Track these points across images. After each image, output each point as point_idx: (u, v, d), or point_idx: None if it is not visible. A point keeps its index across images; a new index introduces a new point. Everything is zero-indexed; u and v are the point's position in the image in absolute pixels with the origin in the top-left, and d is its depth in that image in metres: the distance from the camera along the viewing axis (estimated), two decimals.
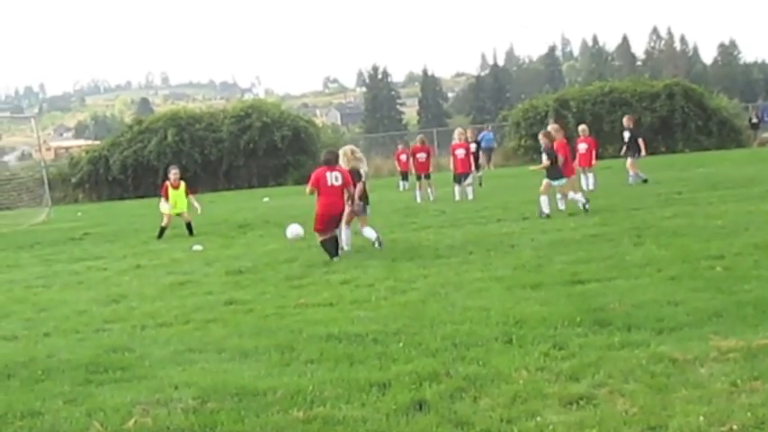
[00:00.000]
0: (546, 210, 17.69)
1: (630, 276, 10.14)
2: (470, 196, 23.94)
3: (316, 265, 13.42)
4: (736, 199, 17.93)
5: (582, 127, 25.71)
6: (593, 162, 24.87)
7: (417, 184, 26.21)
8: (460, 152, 24.85)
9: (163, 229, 19.92)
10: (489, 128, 46.83)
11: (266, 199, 29.30)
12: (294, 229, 16.16)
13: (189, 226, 20.01)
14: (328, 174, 14.38)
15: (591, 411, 5.59)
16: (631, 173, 24.84)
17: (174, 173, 20.58)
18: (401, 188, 33.02)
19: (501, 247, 13.73)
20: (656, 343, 7.00)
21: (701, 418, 5.25)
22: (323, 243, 14.22)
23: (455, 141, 25.51)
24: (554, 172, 18.33)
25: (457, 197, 24.14)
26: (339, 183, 14.34)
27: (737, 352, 6.54)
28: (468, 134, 30.15)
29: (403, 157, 34.10)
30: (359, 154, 15.76)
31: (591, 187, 23.63)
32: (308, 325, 8.82)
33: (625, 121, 26.28)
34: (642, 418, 5.35)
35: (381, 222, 19.21)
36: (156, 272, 14.11)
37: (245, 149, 46.55)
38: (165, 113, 52.35)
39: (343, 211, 14.50)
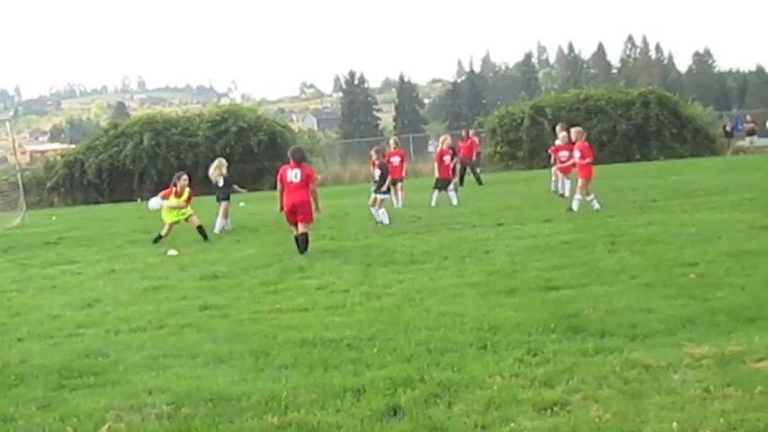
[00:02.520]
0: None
1: (604, 283, 10.20)
2: (455, 201, 23.87)
3: (291, 270, 13.40)
4: (709, 207, 18.05)
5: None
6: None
7: (393, 188, 25.91)
8: (447, 158, 24.82)
9: (160, 237, 18.82)
10: (471, 132, 46.72)
11: (242, 204, 29.17)
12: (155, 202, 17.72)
13: (201, 230, 18.90)
14: (289, 171, 15.32)
15: (565, 417, 5.61)
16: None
17: (184, 178, 19.32)
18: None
19: (476, 253, 13.76)
20: (630, 349, 7.05)
21: (675, 424, 5.29)
22: (294, 237, 15.28)
23: (442, 147, 25.37)
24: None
25: (434, 203, 24.10)
26: (298, 179, 15.16)
27: (710, 359, 6.59)
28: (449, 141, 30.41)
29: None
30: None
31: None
32: (283, 330, 8.82)
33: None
34: (616, 424, 5.38)
35: (357, 228, 19.24)
36: (130, 276, 14.05)
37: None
38: (141, 117, 52.00)
39: (300, 205, 15.15)
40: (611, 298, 9.23)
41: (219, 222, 20.76)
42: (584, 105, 48.22)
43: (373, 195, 20.02)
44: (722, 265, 10.84)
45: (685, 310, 8.37)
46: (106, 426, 6.03)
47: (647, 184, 26.61)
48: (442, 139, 26.57)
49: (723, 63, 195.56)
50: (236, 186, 21.90)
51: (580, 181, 19.58)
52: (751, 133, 49.59)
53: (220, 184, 21.40)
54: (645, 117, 47.03)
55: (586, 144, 20.03)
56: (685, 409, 5.58)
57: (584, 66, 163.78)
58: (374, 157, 20.76)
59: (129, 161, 46.09)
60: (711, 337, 7.27)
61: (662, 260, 11.53)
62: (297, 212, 15.26)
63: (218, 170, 21.53)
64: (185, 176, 19.48)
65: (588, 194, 19.36)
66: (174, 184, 19.23)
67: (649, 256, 11.94)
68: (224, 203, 21.07)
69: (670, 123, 47.32)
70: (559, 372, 6.56)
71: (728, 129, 50.23)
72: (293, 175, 15.22)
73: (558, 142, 25.44)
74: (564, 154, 24.44)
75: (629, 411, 5.60)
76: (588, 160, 19.47)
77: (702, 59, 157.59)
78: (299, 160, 15.45)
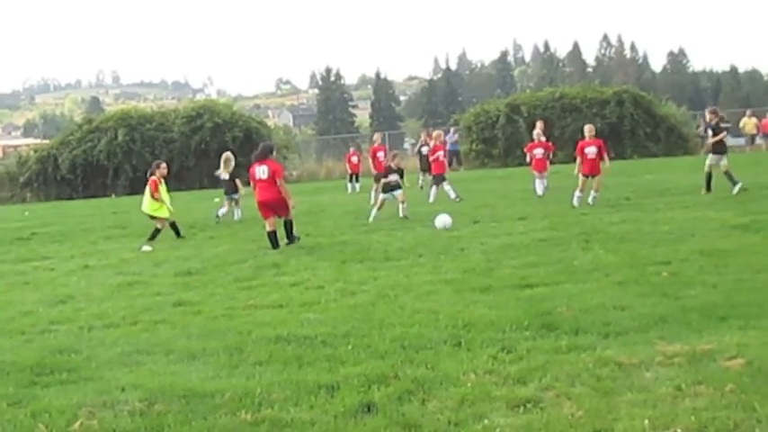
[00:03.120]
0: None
1: (578, 281, 10.24)
2: (453, 195, 23.72)
3: (266, 266, 13.39)
4: (683, 205, 18.15)
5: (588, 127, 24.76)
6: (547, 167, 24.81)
7: (375, 185, 25.57)
8: (440, 154, 24.76)
9: (158, 231, 18.14)
10: (453, 130, 46.67)
11: (217, 200, 29.00)
12: (443, 220, 17.22)
13: (175, 226, 18.66)
14: (257, 168, 15.70)
15: (538, 414, 5.64)
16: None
17: (163, 166, 18.87)
18: (350, 190, 32.92)
19: (451, 250, 13.78)
20: (603, 347, 7.09)
21: (646, 421, 5.32)
22: (267, 233, 15.65)
23: (436, 143, 25.20)
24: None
25: (432, 199, 23.93)
26: (266, 176, 15.52)
27: (682, 356, 6.64)
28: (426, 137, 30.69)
29: (354, 159, 34.00)
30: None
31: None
32: (257, 327, 8.81)
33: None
34: (588, 422, 5.41)
35: (332, 224, 19.23)
36: (104, 272, 13.98)
37: (196, 150, 46.15)
38: (116, 113, 51.65)
39: (273, 201, 15.48)
40: (585, 296, 9.27)
41: (237, 212, 22.28)
42: (560, 104, 48.35)
43: (382, 197, 19.83)
44: (695, 263, 10.92)
45: (658, 308, 8.43)
46: (78, 422, 6.00)
47: (622, 182, 26.70)
48: (437, 134, 26.37)
49: (697, 63, 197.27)
50: (237, 181, 22.45)
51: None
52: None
53: (226, 178, 22.40)
54: (619, 116, 47.22)
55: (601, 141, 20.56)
56: (657, 406, 5.61)
57: (560, 64, 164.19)
58: (392, 161, 20.56)
59: (103, 156, 45.76)
60: (683, 335, 7.32)
61: (635, 258, 11.60)
62: (271, 209, 15.53)
63: (226, 165, 22.52)
64: (164, 164, 19.13)
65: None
66: (153, 174, 18.58)
67: (623, 255, 12.01)
68: (235, 196, 22.29)
69: (644, 122, 47.53)
70: (533, 369, 6.59)
71: (702, 128, 50.55)
72: (261, 171, 15.59)
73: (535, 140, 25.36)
74: (538, 151, 24.46)
75: (601, 409, 5.63)
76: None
77: (677, 59, 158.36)
78: (264, 157, 15.75)
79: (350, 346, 7.71)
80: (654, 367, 6.47)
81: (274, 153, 16.07)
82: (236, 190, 22.27)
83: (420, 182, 30.22)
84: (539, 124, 26.51)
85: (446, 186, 24.08)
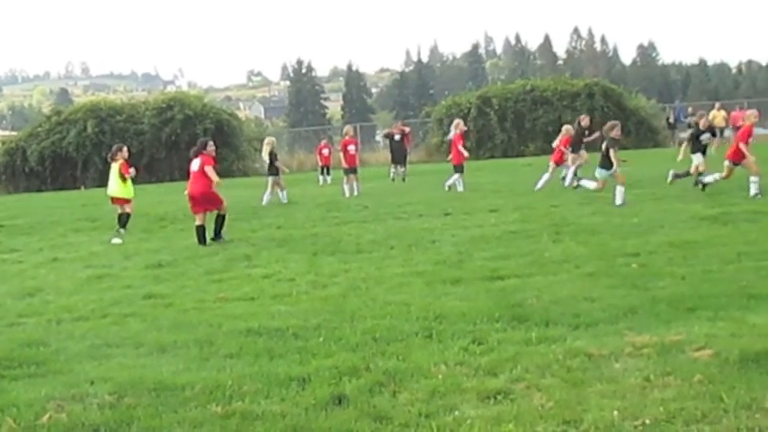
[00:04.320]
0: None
1: (549, 273, 10.29)
2: (459, 188, 23.71)
3: (237, 259, 13.35)
4: (652, 198, 18.28)
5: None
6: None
7: (346, 177, 25.56)
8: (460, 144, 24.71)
9: (128, 216, 18.28)
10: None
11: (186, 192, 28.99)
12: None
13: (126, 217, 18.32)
14: (192, 162, 15.97)
15: (508, 406, 5.66)
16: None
17: (125, 149, 18.76)
18: (321, 183, 32.88)
19: (422, 242, 13.80)
20: (573, 338, 7.13)
21: (615, 412, 5.35)
22: (195, 227, 15.74)
23: (456, 133, 24.89)
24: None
25: (460, 188, 23.73)
26: (197, 168, 15.77)
27: (651, 347, 6.68)
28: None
29: (325, 151, 33.94)
30: None
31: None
32: (228, 319, 8.78)
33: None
34: (558, 413, 5.43)
35: (303, 216, 19.20)
36: (73, 265, 13.88)
37: (166, 142, 45.92)
38: (85, 104, 51.26)
39: (201, 195, 15.69)
40: (556, 287, 9.32)
41: (266, 197, 23.32)
42: (531, 96, 48.53)
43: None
44: (664, 255, 11.00)
45: (627, 299, 8.48)
46: (47, 416, 5.96)
47: (592, 174, 26.81)
48: (456, 123, 26.06)
49: (666, 56, 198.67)
50: (278, 163, 23.97)
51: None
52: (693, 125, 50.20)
53: (267, 160, 23.71)
54: (590, 108, 47.30)
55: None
56: (626, 397, 5.65)
57: (531, 57, 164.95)
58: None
59: (72, 149, 45.41)
60: (652, 326, 7.37)
61: (605, 250, 11.67)
62: (199, 203, 15.70)
63: (268, 147, 24.11)
64: (125, 147, 19.08)
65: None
66: (114, 157, 18.50)
67: (593, 246, 12.07)
68: (271, 178, 23.45)
69: (614, 115, 47.55)
70: (503, 360, 6.61)
71: (671, 120, 50.89)
72: (194, 164, 15.87)
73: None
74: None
75: (571, 400, 5.65)
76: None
77: (646, 52, 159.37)
78: (197, 152, 15.91)
79: (321, 339, 7.70)
80: (623, 358, 6.51)
81: (209, 147, 15.93)
82: (275, 172, 23.56)
83: (392, 174, 30.23)
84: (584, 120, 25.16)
85: (455, 178, 23.98)
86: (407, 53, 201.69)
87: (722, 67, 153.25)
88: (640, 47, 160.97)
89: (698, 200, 17.13)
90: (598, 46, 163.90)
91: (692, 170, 20.02)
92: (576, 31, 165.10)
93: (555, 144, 24.07)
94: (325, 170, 33.50)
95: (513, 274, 10.31)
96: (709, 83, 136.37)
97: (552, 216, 16.10)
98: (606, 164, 18.25)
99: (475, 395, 5.90)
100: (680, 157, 20.85)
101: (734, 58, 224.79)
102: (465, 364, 6.61)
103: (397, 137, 30.42)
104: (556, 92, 48.55)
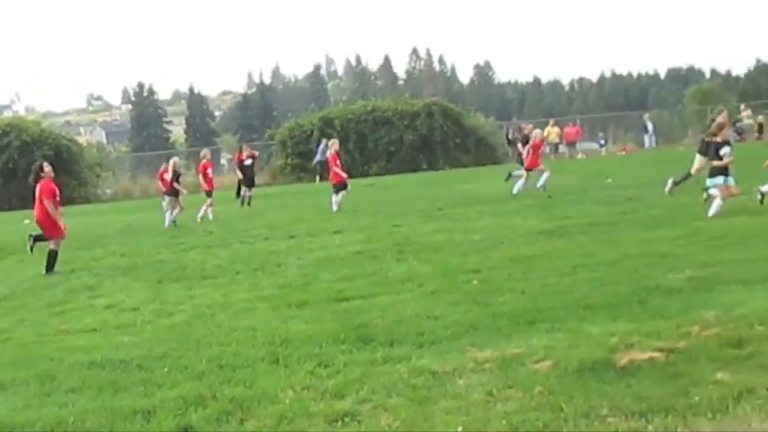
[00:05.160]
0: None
1: (393, 292, 10.40)
2: (334, 207, 23.44)
3: (79, 289, 13.01)
4: (492, 214, 18.73)
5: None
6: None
7: (208, 200, 25.09)
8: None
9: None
10: (323, 141, 45.93)
11: (27, 221, 27.91)
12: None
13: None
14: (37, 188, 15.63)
15: (355, 427, 5.70)
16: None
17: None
18: (165, 208, 32.30)
19: (268, 265, 13.77)
20: (417, 357, 7.22)
21: (460, 428, 5.46)
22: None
23: (331, 153, 24.75)
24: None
25: (335, 208, 23.55)
26: (37, 194, 15.51)
27: (493, 362, 6.84)
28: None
29: (166, 176, 33.42)
30: None
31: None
32: (70, 352, 8.54)
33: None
34: None
35: (148, 243, 18.87)
36: None
37: (3, 170, 44.42)
38: None
39: (39, 221, 15.49)
40: (400, 306, 9.42)
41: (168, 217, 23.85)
42: (372, 117, 49.08)
43: None
44: (504, 270, 11.27)
45: (469, 315, 8.65)
46: None
47: (434, 193, 27.34)
48: (331, 143, 25.78)
49: (502, 75, 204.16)
50: (177, 185, 24.37)
51: None
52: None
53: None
54: (430, 128, 48.34)
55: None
56: (470, 412, 5.76)
57: (372, 77, 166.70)
58: None
59: None
60: (493, 340, 7.54)
61: (448, 267, 11.88)
62: (44, 228, 15.54)
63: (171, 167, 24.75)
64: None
65: None
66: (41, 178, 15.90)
67: (436, 264, 12.28)
68: (168, 198, 24.39)
69: (454, 134, 48.85)
70: (350, 382, 6.65)
71: (510, 137, 52.36)
72: (36, 190, 15.58)
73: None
74: None
75: (417, 418, 5.74)
76: None
77: (483, 71, 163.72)
78: (36, 177, 15.62)
79: (166, 369, 7.57)
80: (466, 374, 6.64)
81: (45, 169, 15.63)
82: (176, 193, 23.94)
83: (244, 197, 29.89)
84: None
85: (339, 197, 23.75)
86: (249, 75, 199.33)
87: (556, 85, 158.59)
88: (477, 66, 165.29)
89: (535, 215, 17.66)
90: (437, 66, 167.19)
91: (693, 171, 18.77)
92: (414, 51, 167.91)
93: (526, 151, 24.63)
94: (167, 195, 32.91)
95: (358, 295, 10.38)
96: (543, 100, 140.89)
97: (395, 235, 16.29)
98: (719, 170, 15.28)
99: (322, 419, 5.91)
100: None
101: (566, 76, 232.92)
102: (312, 388, 6.62)
103: (248, 161, 30.52)
104: (396, 112, 49.26)
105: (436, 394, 6.21)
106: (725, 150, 14.92)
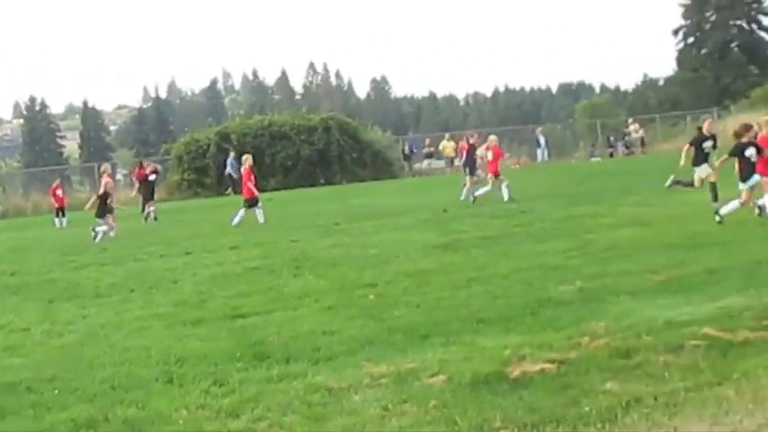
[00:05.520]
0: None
1: (289, 308, 10.37)
2: (261, 219, 23.18)
3: None
4: (389, 228, 18.84)
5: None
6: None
7: (111, 216, 24.61)
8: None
9: None
10: (231, 154, 45.24)
11: None
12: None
13: None
14: None
15: None
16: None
17: None
18: (57, 225, 31.72)
19: (163, 283, 13.59)
20: (313, 373, 7.21)
21: None
22: None
23: (245, 168, 24.35)
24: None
25: (261, 219, 23.22)
26: None
27: (388, 377, 6.87)
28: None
29: (59, 192, 32.87)
30: None
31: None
32: None
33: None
34: None
35: (39, 261, 18.43)
36: None
37: None
38: None
39: None
40: (296, 322, 9.40)
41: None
42: (269, 131, 48.98)
43: None
44: (400, 284, 11.35)
45: (365, 330, 8.68)
46: None
47: (331, 207, 27.38)
48: (245, 158, 25.30)
49: (399, 89, 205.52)
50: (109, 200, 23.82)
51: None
52: (429, 156, 52.46)
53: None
54: (327, 142, 48.45)
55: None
56: (366, 428, 5.78)
57: (269, 92, 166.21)
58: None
59: None
60: (389, 355, 7.58)
61: (344, 282, 11.90)
62: None
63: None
64: None
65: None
66: None
67: (333, 279, 12.29)
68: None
69: (351, 148, 49.06)
70: (245, 401, 6.61)
71: (407, 152, 52.80)
72: None
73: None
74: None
75: None
76: None
77: (380, 86, 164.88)
78: None
79: (56, 391, 7.40)
80: (362, 389, 6.66)
81: None
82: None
83: (147, 213, 29.46)
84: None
85: (257, 210, 23.46)
86: (145, 89, 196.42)
87: (451, 100, 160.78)
88: (374, 81, 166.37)
89: (432, 229, 17.83)
90: (333, 80, 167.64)
91: (697, 183, 18.73)
92: (311, 66, 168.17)
93: (489, 157, 25.27)
94: (60, 212, 32.33)
95: (254, 312, 10.32)
96: (439, 115, 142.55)
97: (292, 250, 16.26)
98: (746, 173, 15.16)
99: None
100: (681, 162, 19.23)
101: (461, 91, 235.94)
102: (206, 407, 6.56)
103: (152, 177, 30.47)
104: (294, 126, 49.26)
105: (332, 411, 6.22)
106: (750, 151, 15.14)
